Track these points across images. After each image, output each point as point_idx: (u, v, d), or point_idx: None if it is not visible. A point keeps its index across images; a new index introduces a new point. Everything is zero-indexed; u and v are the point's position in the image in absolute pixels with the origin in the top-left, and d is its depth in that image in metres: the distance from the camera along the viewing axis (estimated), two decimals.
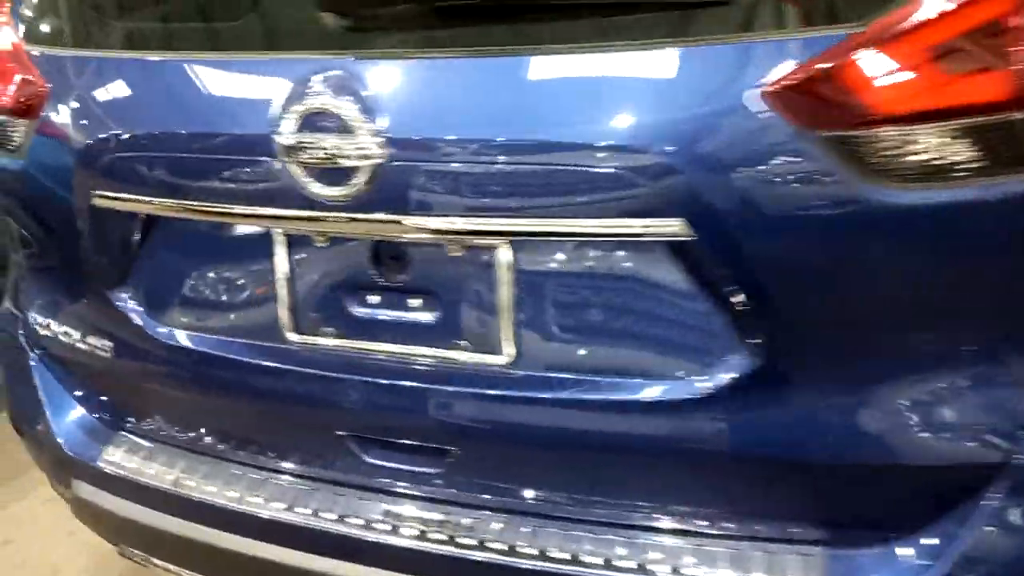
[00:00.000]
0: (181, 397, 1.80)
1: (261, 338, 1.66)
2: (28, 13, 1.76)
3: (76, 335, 1.86)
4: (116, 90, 1.61)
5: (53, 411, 1.96)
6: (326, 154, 1.40)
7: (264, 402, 1.70)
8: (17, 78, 1.70)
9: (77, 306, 1.85)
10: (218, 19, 1.55)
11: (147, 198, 1.61)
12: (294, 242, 1.56)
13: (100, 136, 1.60)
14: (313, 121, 1.40)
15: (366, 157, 1.38)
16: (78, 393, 1.95)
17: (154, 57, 1.59)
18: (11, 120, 1.73)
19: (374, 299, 1.57)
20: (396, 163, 1.38)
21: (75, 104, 1.64)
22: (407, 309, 1.55)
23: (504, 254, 1.42)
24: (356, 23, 1.43)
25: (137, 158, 1.59)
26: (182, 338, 1.73)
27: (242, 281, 1.67)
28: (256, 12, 1.51)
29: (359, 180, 1.40)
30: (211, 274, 1.69)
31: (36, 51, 1.71)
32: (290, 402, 1.67)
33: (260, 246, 1.60)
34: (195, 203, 1.57)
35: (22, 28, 1.75)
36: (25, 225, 1.87)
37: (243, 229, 1.61)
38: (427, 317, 1.53)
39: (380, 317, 1.57)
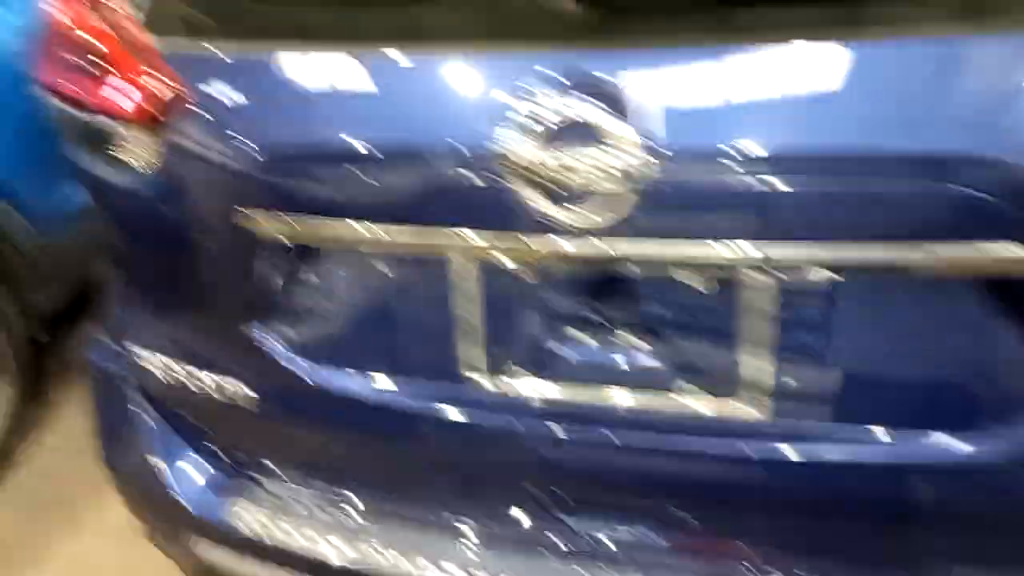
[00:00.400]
0: (333, 447, 1.56)
1: (436, 380, 1.42)
2: None
3: (202, 375, 1.61)
4: (278, 93, 1.35)
5: (168, 460, 1.72)
6: (571, 170, 1.16)
7: (436, 452, 1.47)
8: (144, 80, 1.44)
9: (204, 343, 1.60)
10: (412, 4, 1.29)
11: (311, 219, 1.36)
12: (489, 271, 1.32)
13: (254, 148, 1.36)
14: (551, 130, 1.16)
15: (626, 173, 1.15)
16: (201, 441, 1.70)
17: (328, 52, 1.33)
18: (136, 130, 1.47)
19: (584, 336, 1.34)
20: (662, 180, 1.14)
21: (223, 110, 1.38)
22: (629, 349, 1.32)
23: (771, 284, 1.19)
24: (604, 6, 1.18)
25: (302, 173, 1.34)
26: (336, 380, 1.48)
27: (415, 315, 1.42)
28: None
29: (613, 200, 1.16)
30: (376, 307, 1.44)
31: (167, 45, 1.45)
32: (470, 453, 1.44)
33: (443, 275, 1.36)
34: (371, 226, 1.33)
35: (142, 17, 1.49)
36: (138, 250, 1.61)
37: (424, 256, 1.37)
38: (654, 358, 1.31)
39: (591, 357, 1.34)
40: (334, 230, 1.35)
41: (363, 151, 1.28)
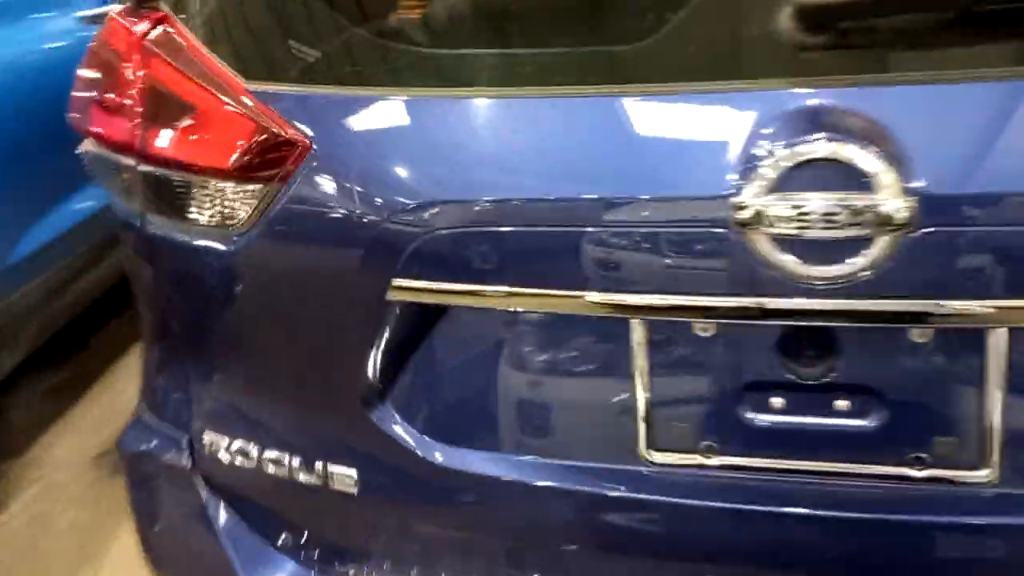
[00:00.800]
0: (473, 541, 1.37)
1: (598, 459, 1.26)
2: (243, 38, 1.30)
3: (298, 464, 1.40)
4: (439, 140, 1.17)
5: (239, 556, 1.49)
6: (811, 218, 1.02)
7: (601, 543, 1.30)
8: (245, 131, 1.24)
9: (301, 425, 1.39)
10: (604, 42, 1.13)
11: (463, 284, 1.18)
12: (664, 333, 1.17)
13: (403, 204, 1.17)
14: (795, 176, 1.03)
15: (887, 223, 1.01)
16: (282, 534, 1.48)
17: (497, 98, 1.16)
18: (232, 187, 1.26)
19: (780, 402, 1.20)
20: (931, 229, 1.02)
21: (357, 160, 1.19)
22: (832, 414, 1.19)
23: (999, 340, 1.08)
24: (844, 38, 1.05)
25: (460, 232, 1.16)
26: (475, 462, 1.30)
27: (577, 388, 1.26)
28: (676, 29, 1.10)
29: (870, 253, 1.03)
30: (528, 380, 1.27)
31: (267, 90, 1.25)
32: (641, 542, 1.28)
33: (607, 339, 1.20)
34: (536, 290, 1.16)
35: (233, 61, 1.29)
36: (223, 323, 1.39)
37: (587, 319, 1.21)
38: (863, 423, 1.18)
39: (789, 426, 1.20)
40: (486, 295, 1.18)
41: (545, 204, 1.12)
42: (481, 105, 1.16)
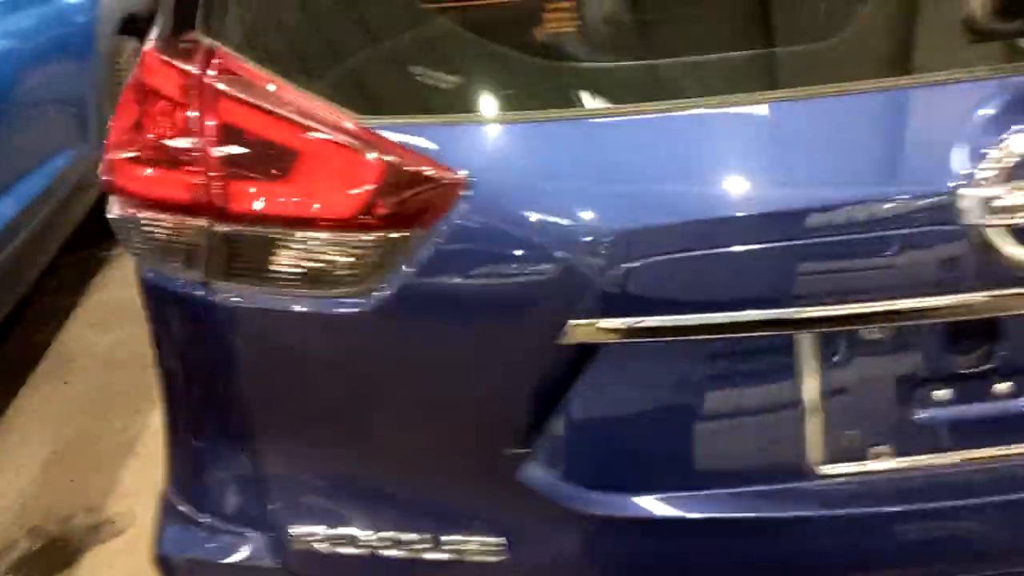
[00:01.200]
0: None
1: (768, 482, 1.20)
2: (345, 68, 1.14)
3: (424, 540, 1.25)
4: (599, 166, 1.08)
5: None
6: None
7: (781, 564, 1.24)
8: (373, 173, 1.10)
9: (427, 497, 1.24)
10: (788, 42, 1.07)
11: (647, 319, 1.09)
12: (835, 342, 1.14)
13: (566, 237, 1.07)
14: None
15: None
16: None
17: (677, 109, 1.08)
18: (354, 239, 1.11)
19: (947, 394, 1.19)
20: None
21: (507, 198, 1.08)
22: (995, 399, 1.19)
23: None
24: None
25: (645, 263, 1.07)
26: (640, 506, 1.20)
27: (739, 409, 1.20)
28: (866, 26, 1.06)
29: None
30: (691, 408, 1.19)
31: (393, 123, 1.11)
32: (820, 553, 1.23)
33: (773, 356, 1.16)
34: (727, 314, 1.09)
35: (335, 94, 1.13)
36: (319, 393, 1.22)
37: (751, 339, 1.15)
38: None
39: (957, 416, 1.19)
40: (684, 328, 1.10)
41: (750, 220, 1.05)
42: (665, 120, 1.08)
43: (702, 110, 1.07)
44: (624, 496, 1.20)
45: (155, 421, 2.88)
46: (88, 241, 3.70)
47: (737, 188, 1.07)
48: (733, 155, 1.07)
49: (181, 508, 1.37)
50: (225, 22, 1.22)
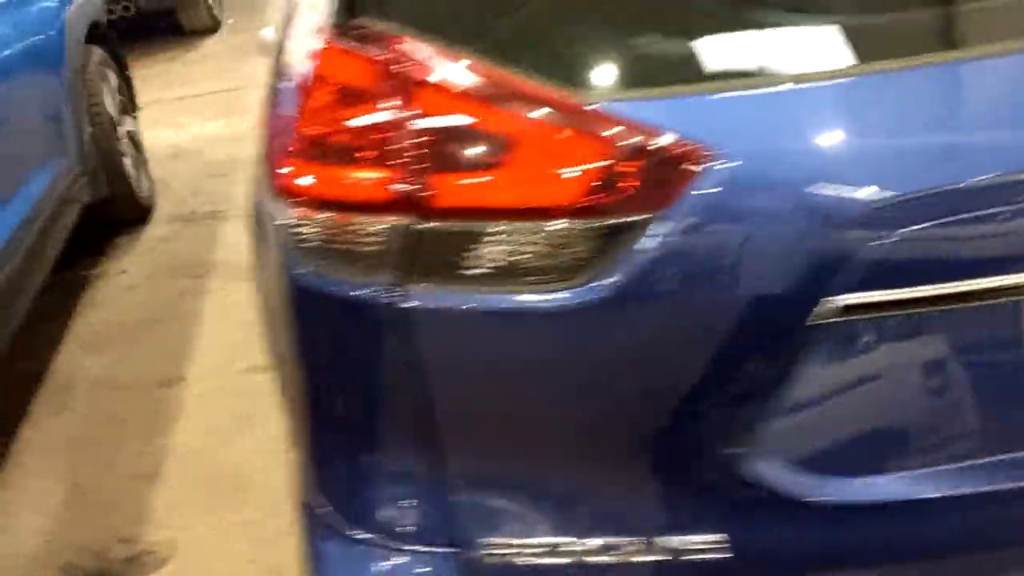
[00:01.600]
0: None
1: (1001, 452, 1.17)
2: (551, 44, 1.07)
3: (636, 543, 1.18)
4: (874, 129, 1.03)
5: None
6: None
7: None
8: (601, 153, 1.02)
9: (641, 497, 1.18)
10: None
11: (914, 290, 1.04)
12: None
13: (832, 209, 1.02)
14: None
15: None
16: None
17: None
18: (576, 228, 1.04)
19: None
20: None
21: (762, 173, 1.02)
22: None
23: None
24: None
25: (917, 230, 1.02)
26: (875, 488, 1.16)
27: (972, 381, 1.16)
28: None
29: None
30: (926, 382, 1.15)
31: (620, 99, 1.04)
32: None
33: (1002, 321, 1.12)
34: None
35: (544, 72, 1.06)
36: (529, 396, 1.14)
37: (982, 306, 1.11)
38: None
39: None
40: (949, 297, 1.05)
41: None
42: (932, 74, 1.03)
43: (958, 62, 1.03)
44: (862, 479, 1.16)
45: (176, 442, 2.76)
46: (70, 260, 3.52)
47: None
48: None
49: (337, 526, 1.28)
50: (396, 4, 1.14)
